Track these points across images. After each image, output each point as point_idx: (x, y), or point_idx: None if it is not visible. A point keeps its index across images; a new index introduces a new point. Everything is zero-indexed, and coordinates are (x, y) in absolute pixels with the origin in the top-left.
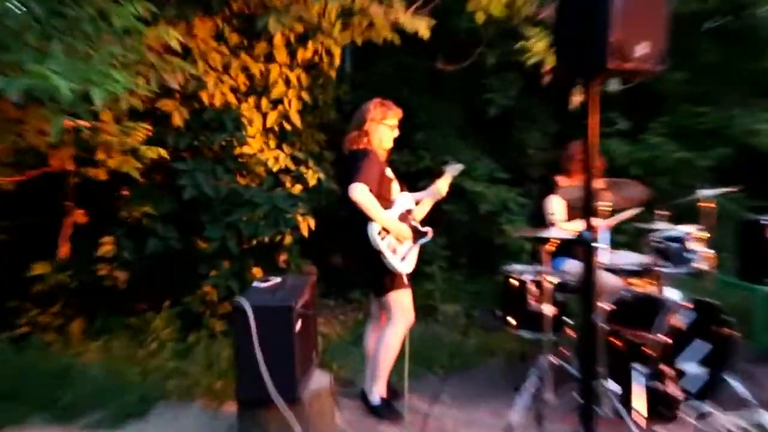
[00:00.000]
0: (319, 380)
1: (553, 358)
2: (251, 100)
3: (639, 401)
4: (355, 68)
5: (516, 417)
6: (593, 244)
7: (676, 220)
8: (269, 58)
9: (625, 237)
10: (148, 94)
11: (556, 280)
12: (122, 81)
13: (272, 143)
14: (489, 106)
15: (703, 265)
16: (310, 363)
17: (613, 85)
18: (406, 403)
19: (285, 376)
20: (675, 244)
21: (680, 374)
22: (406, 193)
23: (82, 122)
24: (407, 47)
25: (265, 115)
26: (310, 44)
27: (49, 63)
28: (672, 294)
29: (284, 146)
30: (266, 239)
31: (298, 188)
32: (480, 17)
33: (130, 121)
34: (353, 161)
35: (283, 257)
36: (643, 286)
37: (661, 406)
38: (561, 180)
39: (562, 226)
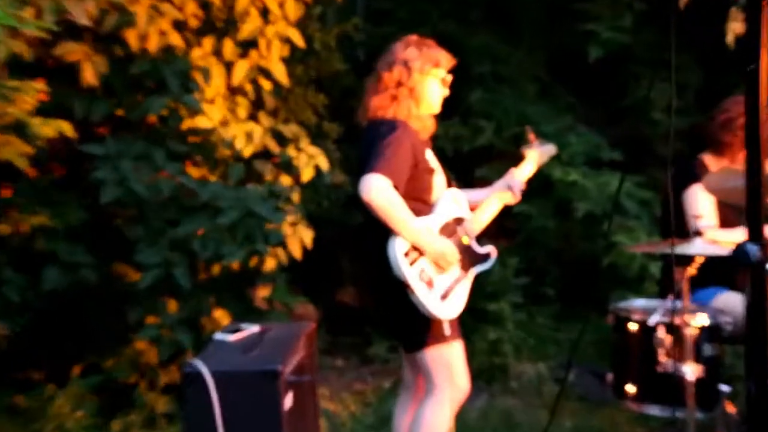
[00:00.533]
0: None
1: None
2: (207, 42)
3: None
4: None
5: None
6: (766, 266)
7: None
8: None
9: None
10: (40, 35)
11: (702, 322)
12: None
13: (242, 111)
14: (588, 45)
15: None
16: None
17: None
18: None
19: None
20: None
21: None
22: (455, 191)
23: None
24: None
25: (229, 67)
26: None
27: None
28: None
29: (261, 116)
30: (235, 265)
31: (285, 182)
32: None
33: (13, 79)
34: (372, 139)
35: (262, 292)
36: None
37: None
38: (709, 161)
39: (713, 236)
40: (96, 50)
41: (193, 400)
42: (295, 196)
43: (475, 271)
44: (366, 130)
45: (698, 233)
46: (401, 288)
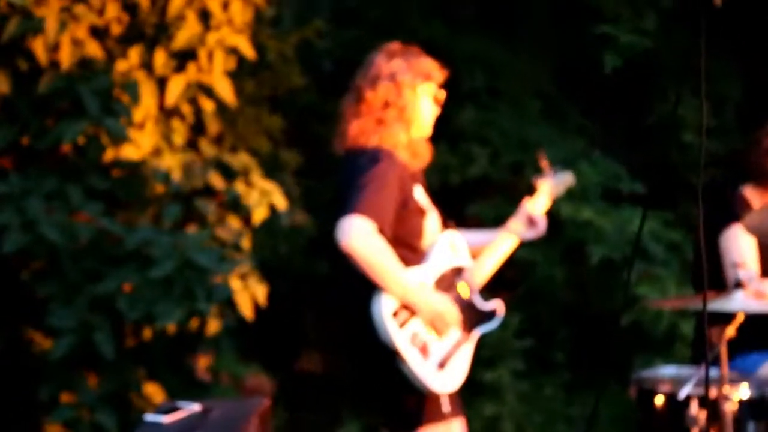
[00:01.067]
0: None
1: None
2: (134, 52)
3: None
4: None
5: None
6: None
7: None
8: None
9: None
10: None
11: (744, 395)
12: None
13: (179, 138)
14: (604, 53)
15: None
16: None
17: None
18: None
19: None
20: None
21: None
22: (452, 234)
23: None
24: None
25: (162, 83)
26: None
27: None
28: None
29: (203, 143)
30: (171, 328)
31: (232, 225)
32: None
33: None
34: (351, 173)
35: (204, 362)
36: None
37: None
38: (751, 195)
39: (757, 289)
40: None
41: None
42: (245, 242)
43: (478, 332)
44: (344, 162)
45: (739, 285)
46: (388, 356)
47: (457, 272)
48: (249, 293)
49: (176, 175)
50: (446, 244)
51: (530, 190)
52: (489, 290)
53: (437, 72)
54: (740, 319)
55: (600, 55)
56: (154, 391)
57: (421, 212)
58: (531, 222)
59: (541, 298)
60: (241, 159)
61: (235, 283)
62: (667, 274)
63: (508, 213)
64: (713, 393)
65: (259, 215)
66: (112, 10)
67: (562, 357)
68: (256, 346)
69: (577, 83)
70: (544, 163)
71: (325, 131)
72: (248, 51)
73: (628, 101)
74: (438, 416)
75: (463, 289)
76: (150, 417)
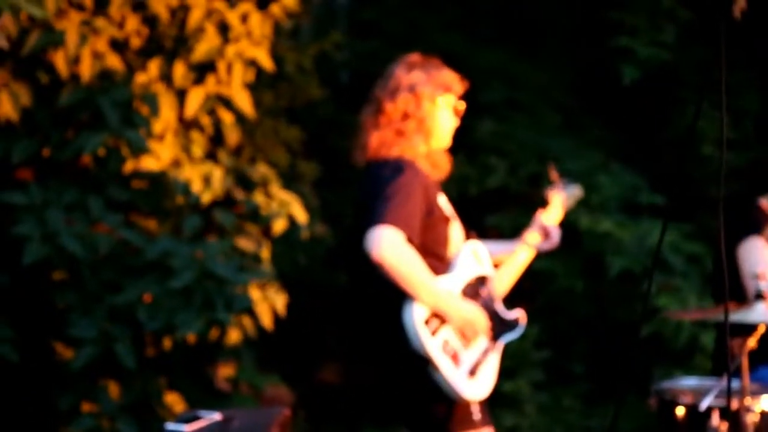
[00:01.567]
0: None
1: None
2: (154, 65)
3: None
4: None
5: None
6: None
7: None
8: None
9: None
10: None
11: (766, 406)
12: None
13: (198, 150)
14: (622, 65)
15: None
16: None
17: None
18: None
19: None
20: None
21: None
22: (475, 244)
23: None
24: None
25: (182, 95)
26: None
27: None
28: None
29: (221, 155)
30: (191, 338)
31: (251, 236)
32: None
33: None
34: (375, 183)
35: (224, 372)
36: None
37: None
38: None
39: None
40: (15, 77)
41: None
42: (265, 253)
43: (503, 340)
44: (366, 173)
45: (760, 296)
46: (419, 364)
47: (481, 281)
48: (268, 303)
49: (196, 186)
50: (470, 254)
51: (544, 203)
52: (509, 301)
53: (457, 84)
54: (761, 330)
55: (618, 68)
56: (174, 400)
57: (446, 220)
58: (545, 233)
59: (560, 309)
60: (259, 170)
61: (254, 294)
62: (686, 285)
63: (527, 224)
64: (735, 404)
65: (278, 226)
66: (132, 23)
67: (581, 368)
68: (276, 357)
69: (596, 95)
70: (555, 175)
71: (343, 143)
72: (267, 63)
73: (647, 113)
74: (469, 424)
75: (489, 298)
76: (171, 426)
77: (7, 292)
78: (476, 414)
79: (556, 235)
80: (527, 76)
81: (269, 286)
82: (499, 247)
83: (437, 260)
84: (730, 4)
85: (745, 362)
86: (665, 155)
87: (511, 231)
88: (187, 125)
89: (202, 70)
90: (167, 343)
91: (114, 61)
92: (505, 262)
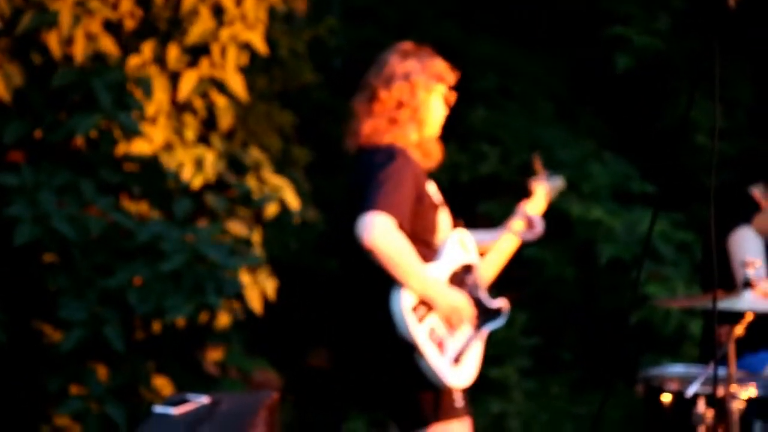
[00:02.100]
0: None
1: None
2: (147, 47)
3: None
4: None
5: None
6: None
7: None
8: None
9: None
10: None
11: (752, 394)
12: None
13: (190, 133)
14: (616, 54)
15: None
16: None
17: None
18: None
19: None
20: None
21: None
22: (462, 232)
23: None
24: None
25: (175, 78)
26: None
27: None
28: None
29: (214, 138)
30: (181, 322)
31: (243, 220)
32: None
33: None
34: (367, 170)
35: (213, 355)
36: None
37: None
38: (761, 196)
39: (765, 287)
40: (9, 57)
41: None
42: (256, 237)
43: (486, 329)
44: (357, 159)
45: (748, 285)
46: (405, 350)
47: (467, 270)
48: (258, 288)
49: (188, 170)
50: (457, 242)
51: (528, 193)
52: (498, 288)
53: (449, 73)
54: (749, 318)
55: (612, 57)
56: (162, 384)
57: (435, 207)
58: (529, 223)
59: (549, 297)
60: (252, 154)
61: (244, 278)
62: (676, 274)
63: None
64: (721, 391)
65: (269, 211)
66: (126, 5)
67: (569, 356)
68: (265, 342)
69: (589, 84)
70: (539, 166)
71: (336, 129)
72: (261, 47)
73: (640, 103)
74: (452, 412)
75: (474, 286)
76: (159, 409)
77: None
78: (459, 402)
79: (539, 225)
80: (520, 65)
81: (260, 270)
82: (485, 235)
83: (426, 247)
84: None
85: (732, 350)
86: (657, 144)
87: (503, 219)
88: (179, 108)
89: (196, 52)
90: (156, 326)
91: (107, 43)
92: (490, 251)
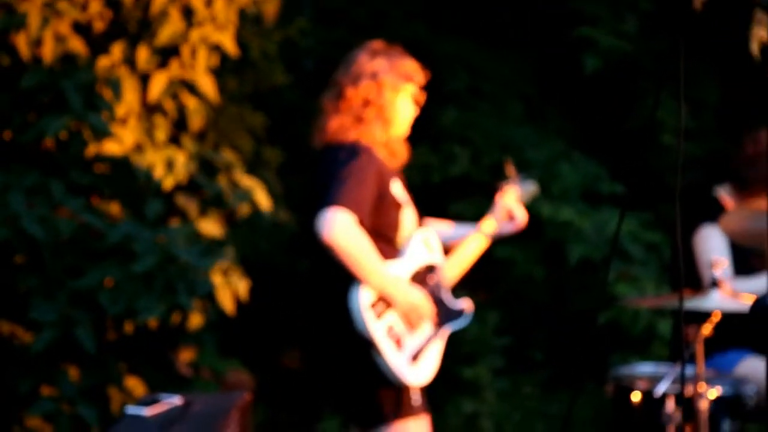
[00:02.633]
0: None
1: None
2: (117, 48)
3: None
4: None
5: None
6: None
7: None
8: None
9: None
10: None
11: (720, 392)
12: None
13: (161, 134)
14: (584, 55)
15: None
16: None
17: None
18: None
19: None
20: None
21: None
22: (426, 231)
23: None
24: None
25: (145, 79)
26: None
27: None
28: None
29: (185, 140)
30: (153, 322)
31: (214, 221)
32: None
33: None
34: (330, 166)
35: (185, 356)
36: None
37: None
38: (727, 196)
39: (732, 287)
40: None
41: None
42: (227, 238)
43: (447, 329)
44: (321, 156)
45: (715, 284)
46: (362, 347)
47: (430, 269)
48: (231, 289)
49: (158, 171)
50: (421, 241)
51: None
52: (467, 288)
53: (418, 73)
54: (717, 317)
55: (580, 57)
56: (134, 384)
57: (398, 206)
58: (510, 216)
59: (519, 296)
60: (223, 155)
61: (216, 279)
62: (645, 274)
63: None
64: (689, 391)
65: (241, 211)
66: (95, 6)
67: (540, 355)
68: (237, 342)
69: (558, 85)
70: (511, 169)
71: (307, 129)
72: (231, 48)
73: (608, 103)
74: (409, 410)
75: (435, 285)
76: (131, 410)
77: None
78: (416, 400)
79: (521, 217)
80: (490, 66)
81: (232, 271)
82: (449, 233)
83: (387, 244)
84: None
85: (700, 349)
86: (626, 145)
87: (475, 219)
88: (150, 109)
89: (166, 54)
90: (128, 327)
91: (77, 44)
92: (456, 250)
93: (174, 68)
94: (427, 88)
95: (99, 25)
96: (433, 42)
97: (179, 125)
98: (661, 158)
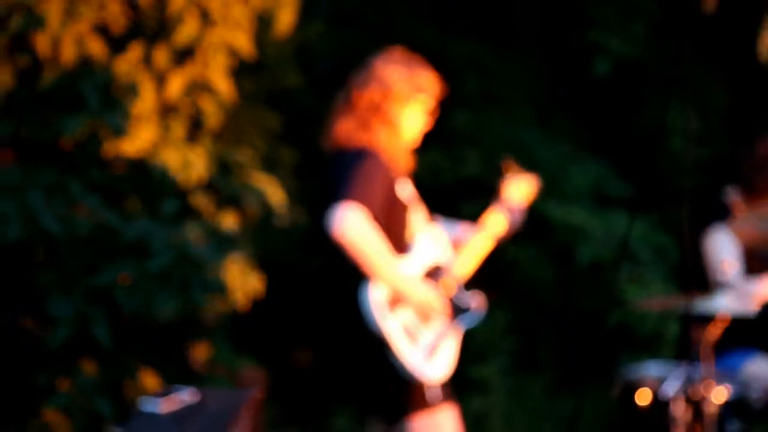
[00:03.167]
0: None
1: None
2: (135, 49)
3: None
4: None
5: None
6: None
7: None
8: None
9: None
10: None
11: (727, 393)
12: None
13: (178, 134)
14: (594, 59)
15: None
16: None
17: None
18: None
19: None
20: None
21: None
22: (436, 230)
23: None
24: None
25: (162, 80)
26: None
27: None
28: None
29: (201, 139)
30: (167, 318)
31: (229, 219)
32: None
33: None
34: (339, 169)
35: (200, 352)
36: None
37: None
38: (737, 202)
39: (740, 289)
40: None
41: None
42: (242, 236)
43: (461, 325)
44: (331, 160)
45: (724, 285)
46: (377, 344)
47: (440, 266)
48: (245, 286)
49: (175, 170)
50: (430, 238)
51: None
52: (477, 288)
53: (434, 85)
54: (725, 319)
55: (589, 61)
56: (149, 379)
57: (405, 208)
58: (510, 210)
59: (528, 297)
60: (239, 155)
61: (231, 276)
62: (653, 276)
63: None
64: (697, 392)
65: (256, 210)
66: (114, 7)
67: (548, 356)
68: (251, 340)
69: (568, 88)
70: (511, 168)
71: (321, 131)
72: (247, 49)
73: (617, 107)
74: (425, 405)
75: (446, 283)
76: (146, 404)
77: None
78: (432, 396)
79: (519, 210)
80: (501, 69)
81: (246, 268)
82: (458, 233)
83: (400, 243)
84: (699, 1)
85: (708, 351)
86: (634, 148)
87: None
88: (166, 110)
89: (183, 55)
90: (144, 324)
91: (95, 45)
92: (463, 249)
93: (191, 69)
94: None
95: (117, 26)
96: (444, 45)
97: (196, 125)
98: (669, 161)
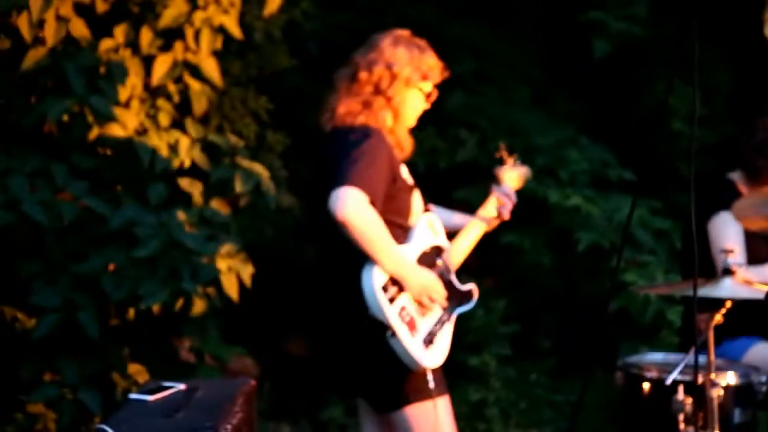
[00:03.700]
0: None
1: None
2: (120, 31)
3: None
4: None
5: None
6: None
7: None
8: None
9: None
10: None
11: (731, 382)
12: None
13: (164, 118)
14: (593, 39)
15: None
16: None
17: None
18: None
19: None
20: None
21: None
22: (431, 215)
23: None
24: None
25: (148, 62)
26: None
27: None
28: None
29: (189, 123)
30: (156, 308)
31: (218, 206)
32: None
33: None
34: (340, 149)
35: (189, 342)
36: None
37: None
38: (741, 183)
39: (744, 274)
40: None
41: None
42: (232, 223)
43: (457, 312)
44: (330, 139)
45: (728, 272)
46: (376, 330)
47: (437, 252)
48: (234, 274)
49: (162, 155)
50: (426, 224)
51: (495, 181)
52: (474, 275)
53: (437, 71)
54: (728, 305)
55: (589, 41)
56: (137, 371)
57: (409, 190)
58: (507, 196)
59: (527, 283)
60: (227, 139)
61: (221, 264)
62: (654, 261)
63: None
64: (700, 379)
65: (245, 196)
66: None
67: (548, 343)
68: (242, 329)
69: (566, 69)
70: (505, 154)
71: (311, 114)
72: (235, 31)
73: (617, 88)
74: (424, 393)
75: (443, 269)
76: (134, 396)
77: None
78: (431, 383)
79: (495, 219)
80: (497, 50)
81: (236, 256)
82: (453, 219)
83: (398, 228)
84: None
85: (711, 337)
86: (635, 130)
87: (481, 205)
88: (153, 92)
89: (170, 36)
90: (131, 313)
91: (79, 26)
92: (457, 237)
93: (177, 51)
94: None
95: (102, 7)
96: (439, 25)
97: (183, 109)
98: (671, 144)
